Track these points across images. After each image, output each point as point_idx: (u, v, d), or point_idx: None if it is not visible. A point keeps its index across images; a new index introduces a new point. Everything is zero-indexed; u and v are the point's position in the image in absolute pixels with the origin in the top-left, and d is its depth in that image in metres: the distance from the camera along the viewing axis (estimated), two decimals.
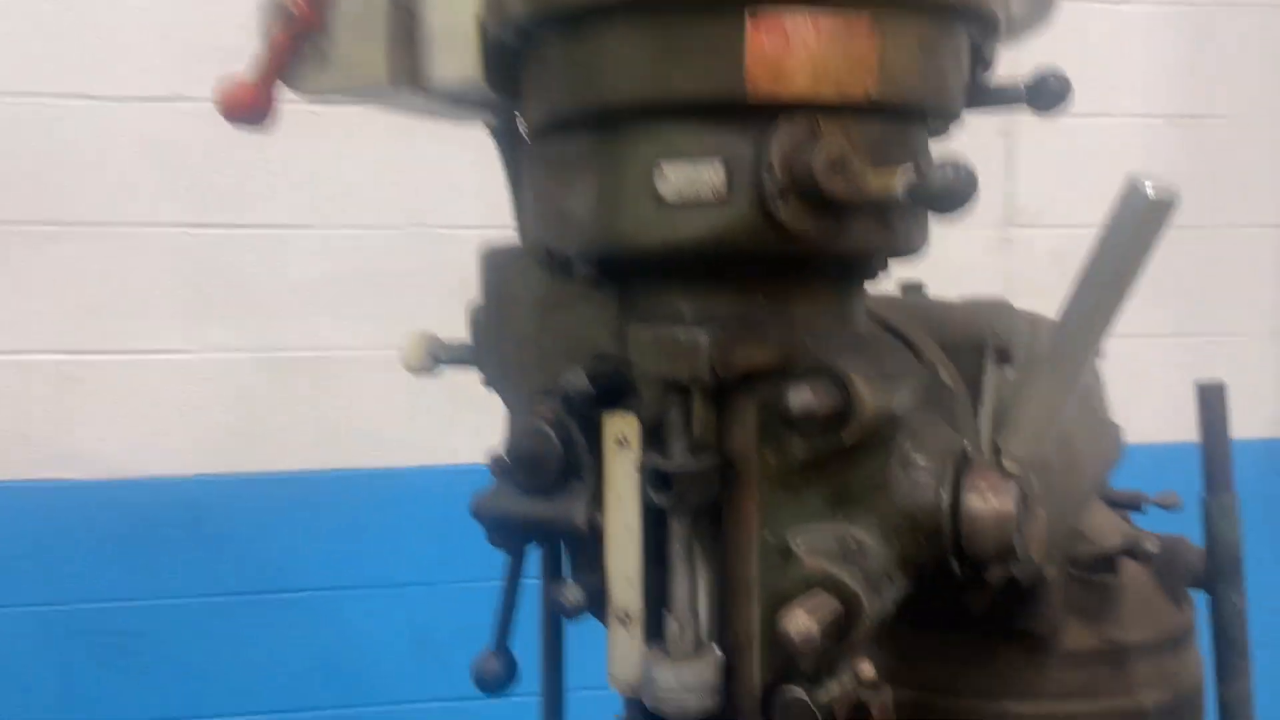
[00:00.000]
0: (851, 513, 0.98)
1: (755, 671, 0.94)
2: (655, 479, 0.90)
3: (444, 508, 2.96)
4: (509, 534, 1.00)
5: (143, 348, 2.91)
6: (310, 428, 2.96)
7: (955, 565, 1.00)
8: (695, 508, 0.92)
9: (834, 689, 0.92)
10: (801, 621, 0.88)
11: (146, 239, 2.89)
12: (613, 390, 0.95)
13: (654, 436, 0.93)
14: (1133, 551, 1.40)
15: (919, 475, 1.00)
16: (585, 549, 0.97)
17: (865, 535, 0.98)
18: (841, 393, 0.92)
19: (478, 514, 1.00)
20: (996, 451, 1.01)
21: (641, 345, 0.92)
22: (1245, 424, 1.62)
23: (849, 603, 0.92)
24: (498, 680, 1.02)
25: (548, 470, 0.97)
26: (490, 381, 1.11)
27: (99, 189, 2.86)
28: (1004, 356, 1.15)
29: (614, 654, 0.96)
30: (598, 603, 0.96)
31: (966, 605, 1.31)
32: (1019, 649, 1.46)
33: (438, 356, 1.13)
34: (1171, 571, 1.52)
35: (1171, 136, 3.34)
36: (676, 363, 0.88)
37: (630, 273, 1.01)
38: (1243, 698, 1.62)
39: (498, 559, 1.04)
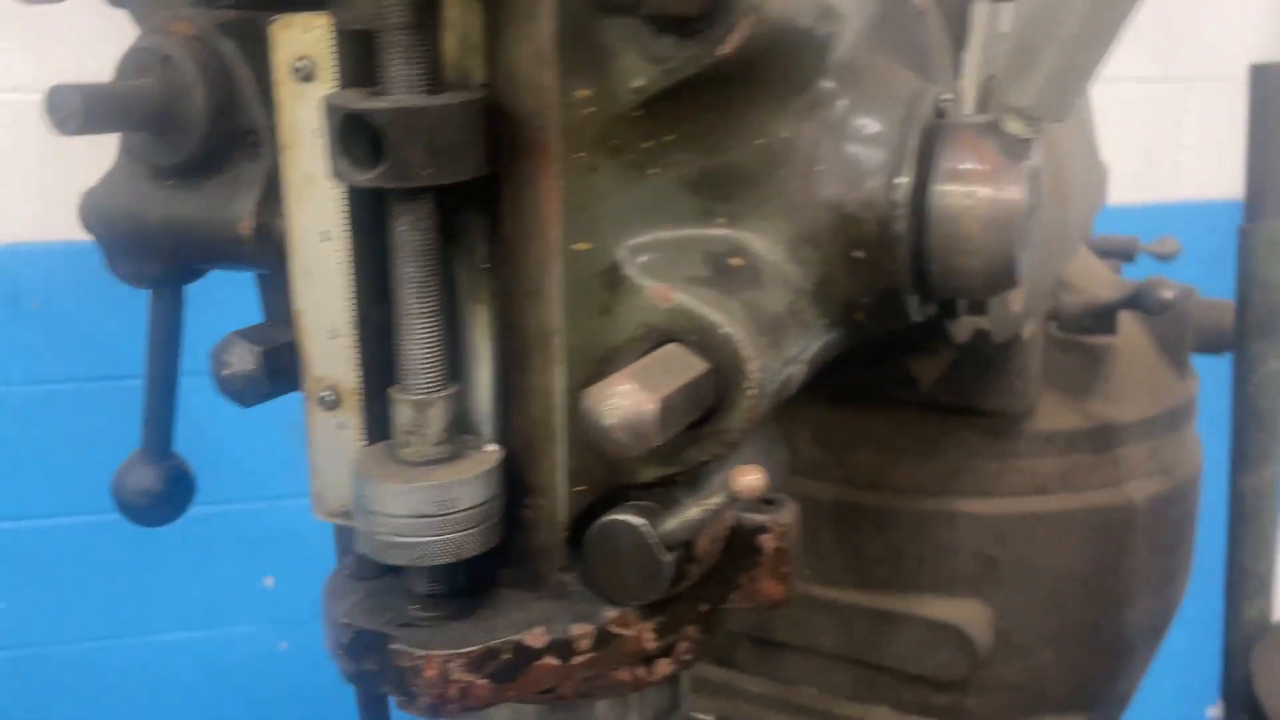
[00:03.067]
0: (736, 207, 0.55)
1: (559, 486, 0.53)
2: (349, 131, 0.46)
3: None
4: (141, 253, 0.57)
5: None
6: None
7: (912, 302, 0.59)
8: (438, 191, 0.48)
9: (691, 511, 0.51)
10: (623, 395, 0.46)
11: None
12: None
13: (361, 59, 0.49)
14: (1141, 300, 1.01)
15: (858, 144, 0.57)
16: (264, 279, 0.54)
17: (760, 244, 0.56)
18: None
19: (85, 217, 0.57)
20: (993, 106, 0.59)
21: None
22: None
23: (721, 359, 0.51)
24: (155, 501, 0.61)
25: (185, 132, 0.53)
26: None
27: None
28: None
29: (315, 458, 0.55)
30: (284, 372, 0.54)
31: (911, 375, 0.92)
32: (977, 431, 1.09)
33: None
34: (1178, 329, 1.14)
35: None
36: None
37: None
38: (1264, 489, 1.27)
39: None
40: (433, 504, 0.49)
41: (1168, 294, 1.00)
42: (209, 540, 2.60)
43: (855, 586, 1.13)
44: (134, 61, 0.53)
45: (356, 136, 0.46)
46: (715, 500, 0.51)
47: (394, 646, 0.51)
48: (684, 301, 0.51)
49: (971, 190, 0.55)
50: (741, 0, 0.47)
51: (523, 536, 0.54)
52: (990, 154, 0.55)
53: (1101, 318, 1.07)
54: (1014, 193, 0.55)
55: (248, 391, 0.54)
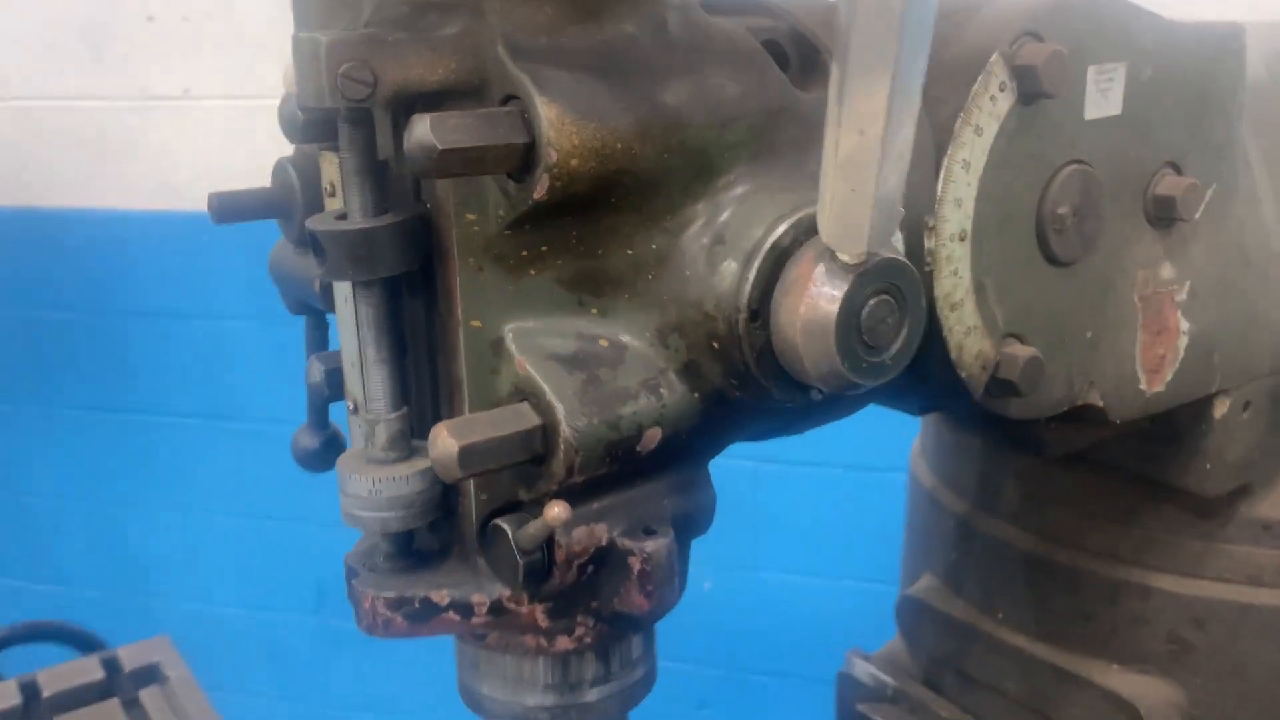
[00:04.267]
0: (606, 302, 0.71)
1: (470, 492, 0.73)
2: (314, 242, 0.70)
3: None
4: (291, 293, 0.86)
5: None
6: None
7: (771, 387, 0.71)
8: (371, 281, 0.70)
9: (529, 527, 0.69)
10: (439, 437, 0.65)
11: None
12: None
13: None
14: None
15: (724, 254, 0.70)
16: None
17: (627, 331, 0.71)
18: (525, 123, 0.65)
19: (271, 267, 0.87)
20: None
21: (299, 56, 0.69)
22: None
23: (547, 419, 0.68)
24: (315, 454, 0.90)
25: (296, 218, 0.80)
26: None
27: None
28: (1030, 85, 0.76)
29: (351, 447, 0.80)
30: (341, 386, 0.80)
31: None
32: (1179, 506, 1.06)
33: None
34: None
35: None
36: (306, 79, 0.65)
37: None
38: None
39: None
40: (366, 491, 0.72)
41: None
42: None
43: (1042, 640, 1.15)
44: (275, 169, 0.81)
45: (316, 246, 0.69)
46: (541, 523, 0.68)
47: (351, 580, 0.75)
48: (530, 372, 0.68)
49: (795, 306, 0.65)
50: (542, 159, 0.64)
51: (458, 523, 0.75)
52: (816, 274, 0.65)
53: None
54: (826, 312, 0.64)
55: (319, 398, 0.81)
